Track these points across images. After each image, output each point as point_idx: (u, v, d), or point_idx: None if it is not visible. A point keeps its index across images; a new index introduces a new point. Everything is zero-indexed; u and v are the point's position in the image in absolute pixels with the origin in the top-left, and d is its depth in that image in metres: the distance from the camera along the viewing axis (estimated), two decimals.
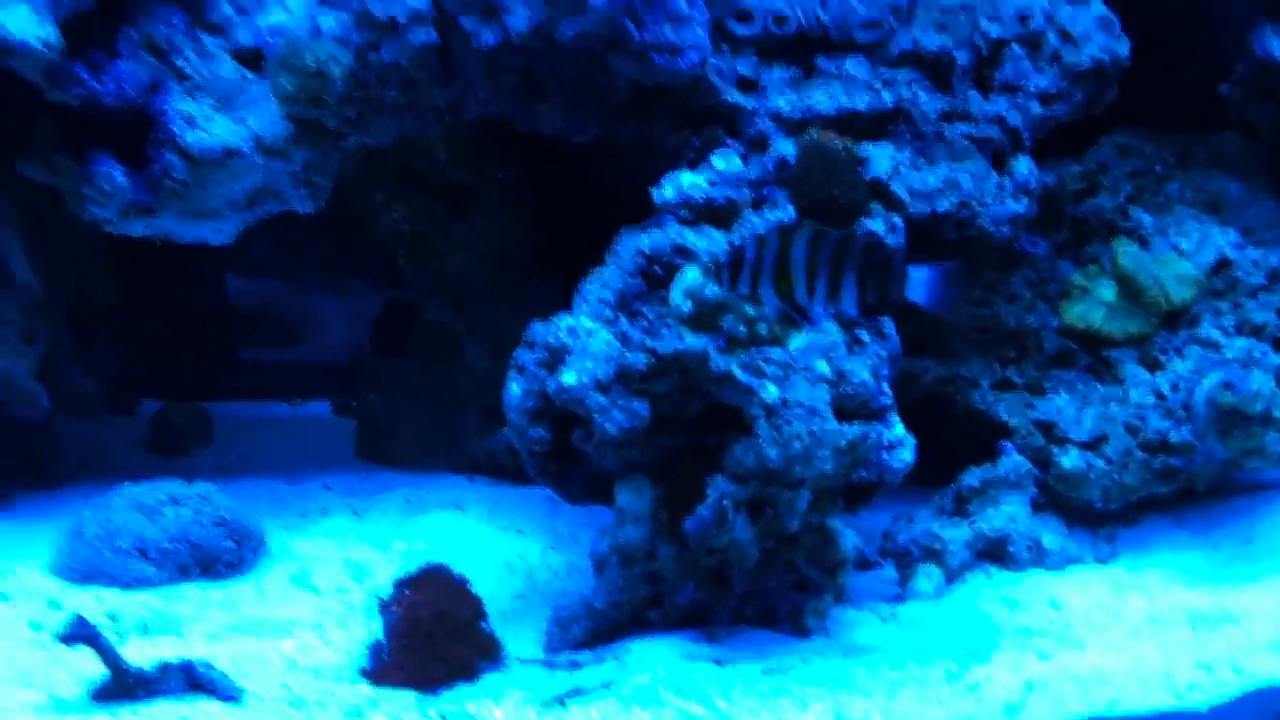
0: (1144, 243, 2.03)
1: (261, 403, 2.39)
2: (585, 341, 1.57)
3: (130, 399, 2.18)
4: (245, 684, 1.41)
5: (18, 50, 1.74)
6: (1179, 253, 1.99)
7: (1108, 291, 1.96)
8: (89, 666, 1.44)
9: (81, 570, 1.68)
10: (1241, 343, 1.86)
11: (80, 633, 1.46)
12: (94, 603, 1.59)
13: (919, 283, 1.51)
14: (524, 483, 1.97)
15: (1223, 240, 2.01)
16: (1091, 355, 1.92)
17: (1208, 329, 1.88)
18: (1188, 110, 2.26)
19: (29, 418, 1.91)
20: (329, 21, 2.00)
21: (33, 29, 1.75)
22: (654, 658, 1.50)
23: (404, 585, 1.55)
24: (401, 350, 2.14)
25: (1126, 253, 1.92)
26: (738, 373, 1.51)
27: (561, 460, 1.64)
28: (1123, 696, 1.43)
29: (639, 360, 1.51)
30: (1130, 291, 1.92)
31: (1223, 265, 1.97)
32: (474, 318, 2.00)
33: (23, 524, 1.90)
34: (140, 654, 1.43)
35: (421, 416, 2.13)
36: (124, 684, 1.45)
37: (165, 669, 1.50)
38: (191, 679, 1.48)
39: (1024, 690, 1.44)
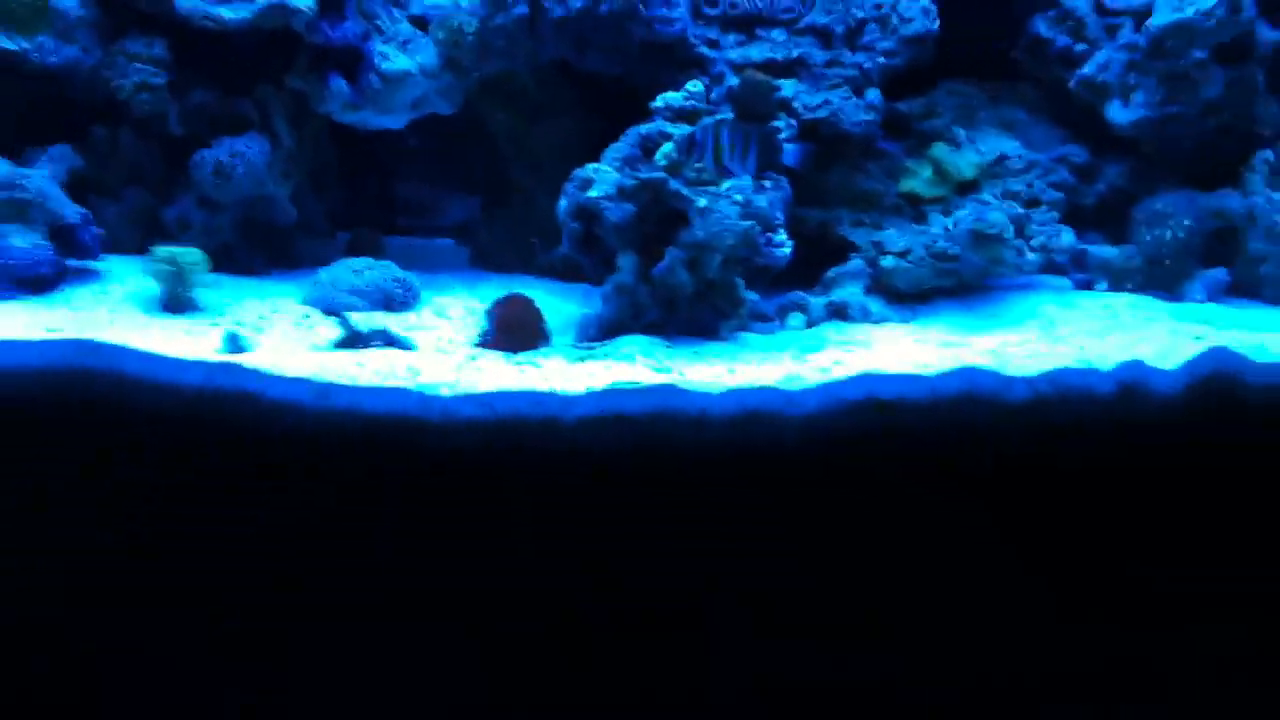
0: (957, 146, 3.17)
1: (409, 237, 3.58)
2: (603, 176, 2.71)
3: (334, 228, 3.35)
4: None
5: (295, 11, 2.90)
6: (977, 152, 3.10)
7: (926, 172, 3.04)
8: (332, 334, 2.52)
9: (318, 302, 2.78)
10: (1001, 200, 2.99)
11: (332, 310, 2.66)
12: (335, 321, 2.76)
13: (789, 153, 2.65)
14: (572, 280, 3.03)
15: (1007, 145, 3.10)
16: (913, 209, 3.02)
17: (984, 194, 3.00)
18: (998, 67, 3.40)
19: (283, 223, 3.04)
20: (469, 1, 3.19)
21: (304, 2, 2.88)
22: (632, 343, 2.66)
23: (499, 302, 2.72)
24: (500, 205, 3.31)
25: (938, 148, 3.01)
26: (685, 191, 2.64)
27: (587, 243, 2.81)
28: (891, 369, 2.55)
29: (630, 183, 2.65)
30: (939, 172, 3.02)
31: (1001, 159, 3.07)
32: (545, 181, 3.13)
33: (278, 284, 2.95)
34: None
35: (511, 242, 3.23)
36: (353, 338, 2.63)
37: (374, 333, 2.67)
38: (387, 339, 2.64)
39: (833, 363, 2.58)
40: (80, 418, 2.34)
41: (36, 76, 2.80)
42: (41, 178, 2.67)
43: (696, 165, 2.63)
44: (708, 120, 2.80)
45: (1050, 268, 2.92)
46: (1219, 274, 2.88)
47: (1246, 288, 2.89)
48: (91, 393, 2.33)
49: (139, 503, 2.39)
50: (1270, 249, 2.84)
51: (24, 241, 2.62)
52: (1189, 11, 2.80)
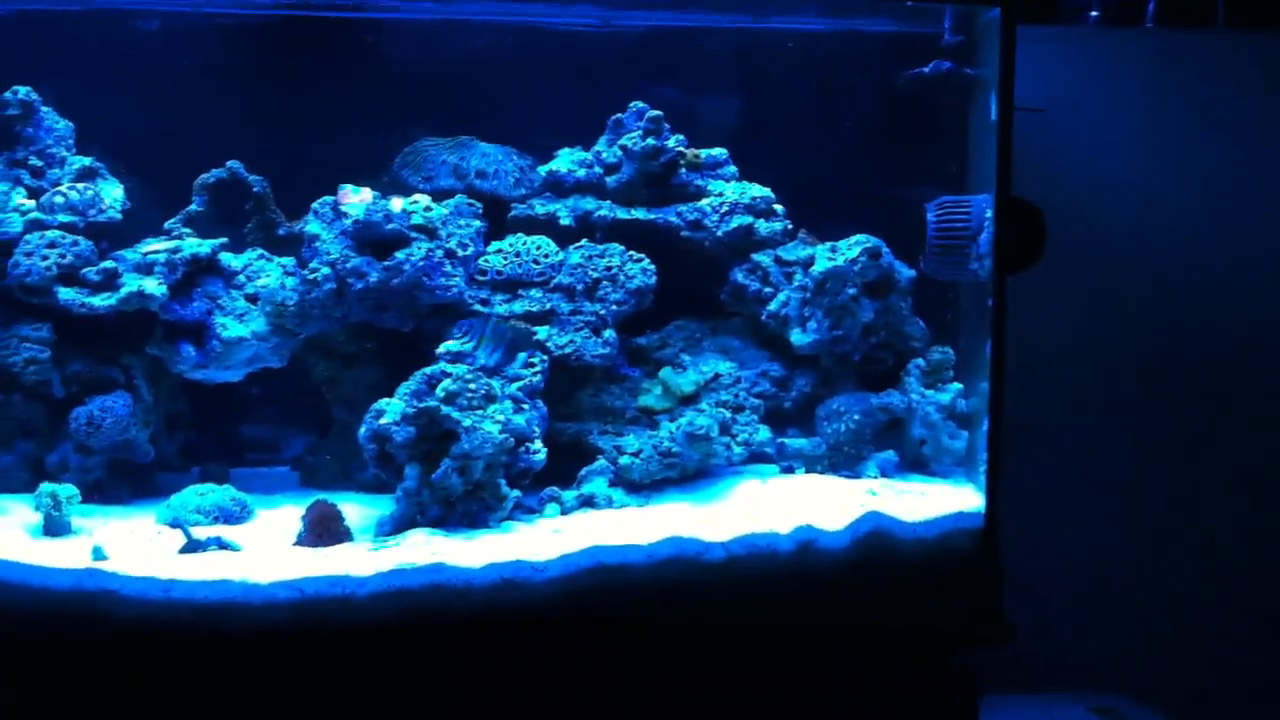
0: (683, 369, 3.95)
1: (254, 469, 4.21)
2: (392, 406, 3.37)
3: (188, 463, 3.87)
4: None
5: (150, 296, 3.56)
6: (699, 372, 3.85)
7: (657, 390, 3.77)
8: (177, 544, 3.18)
9: (169, 521, 3.35)
10: (714, 408, 3.76)
11: (178, 525, 3.34)
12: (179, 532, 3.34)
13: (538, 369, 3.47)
14: (383, 492, 3.74)
15: (721, 366, 3.83)
16: (648, 419, 3.73)
17: (701, 404, 3.76)
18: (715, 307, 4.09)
19: (143, 461, 3.59)
20: (290, 281, 3.70)
21: (157, 289, 3.60)
22: (417, 534, 3.36)
23: (309, 509, 3.41)
24: (324, 436, 4.03)
25: (665, 371, 3.71)
26: (455, 414, 3.38)
27: (383, 460, 3.50)
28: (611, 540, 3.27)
29: (411, 411, 3.36)
30: (666, 390, 3.79)
31: (716, 376, 3.78)
32: (357, 415, 3.45)
33: (140, 508, 3.48)
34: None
35: (333, 466, 3.82)
36: (193, 545, 3.27)
37: (210, 540, 3.29)
38: (221, 544, 3.24)
39: (577, 539, 3.28)
40: None
41: None
42: None
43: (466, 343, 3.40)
44: (478, 320, 3.52)
45: (758, 458, 3.68)
46: (889, 455, 3.68)
47: (914, 464, 3.69)
48: None
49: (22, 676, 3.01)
50: (927, 433, 3.65)
51: None
52: (840, 260, 3.69)
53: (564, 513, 3.45)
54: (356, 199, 3.65)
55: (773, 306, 3.78)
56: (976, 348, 3.57)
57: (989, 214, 3.47)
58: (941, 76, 3.92)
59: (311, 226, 3.68)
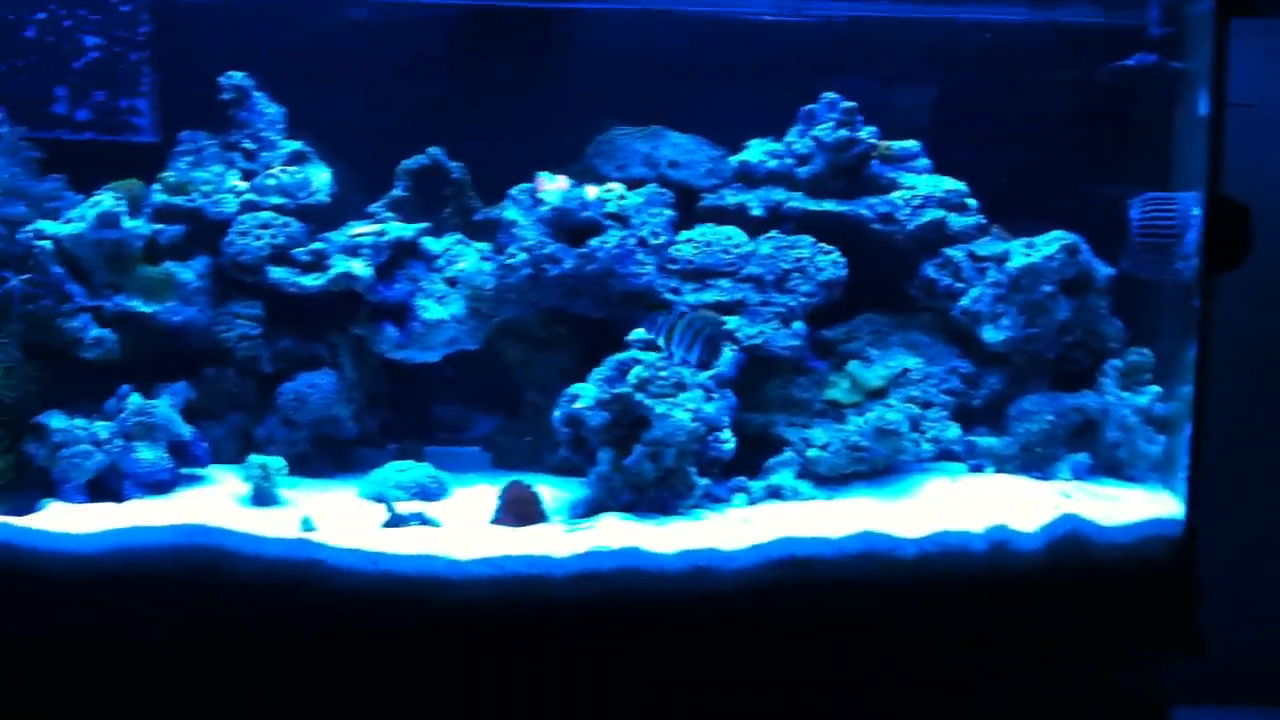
0: (869, 363, 3.93)
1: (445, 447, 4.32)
2: (586, 391, 3.41)
3: (385, 440, 3.98)
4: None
5: (357, 278, 3.72)
6: (886, 367, 3.83)
7: (844, 383, 3.78)
8: (380, 518, 3.28)
9: (371, 495, 3.50)
10: (903, 403, 3.74)
11: (380, 499, 3.45)
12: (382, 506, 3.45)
13: (728, 361, 3.47)
14: (573, 475, 3.58)
15: (910, 361, 3.84)
16: (835, 413, 3.71)
17: (890, 400, 3.75)
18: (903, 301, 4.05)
19: (346, 437, 3.75)
20: (487, 266, 3.76)
21: (364, 271, 3.74)
22: (609, 518, 3.41)
23: (506, 489, 3.46)
24: (515, 418, 4.12)
25: (853, 365, 3.71)
26: (647, 401, 3.42)
27: (576, 444, 3.56)
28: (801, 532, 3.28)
29: (605, 397, 3.38)
30: (853, 383, 3.79)
31: (905, 371, 3.79)
32: (549, 398, 3.55)
33: (342, 482, 3.64)
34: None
35: (524, 447, 3.91)
36: (395, 520, 3.39)
37: (411, 515, 3.41)
38: (422, 520, 3.35)
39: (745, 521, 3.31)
40: (192, 576, 3.12)
41: (164, 332, 3.68)
42: (164, 406, 3.52)
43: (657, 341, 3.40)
44: (678, 309, 3.53)
45: (947, 455, 3.64)
46: (1082, 457, 3.61)
47: (1107, 467, 3.62)
48: (200, 559, 3.12)
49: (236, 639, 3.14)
50: (1123, 437, 3.58)
51: (150, 454, 3.47)
52: (1037, 256, 3.63)
53: (751, 503, 3.47)
54: (553, 186, 3.72)
55: (965, 302, 3.75)
56: (1176, 350, 3.48)
57: (1195, 212, 3.37)
58: (1146, 70, 3.82)
59: (509, 213, 3.75)
